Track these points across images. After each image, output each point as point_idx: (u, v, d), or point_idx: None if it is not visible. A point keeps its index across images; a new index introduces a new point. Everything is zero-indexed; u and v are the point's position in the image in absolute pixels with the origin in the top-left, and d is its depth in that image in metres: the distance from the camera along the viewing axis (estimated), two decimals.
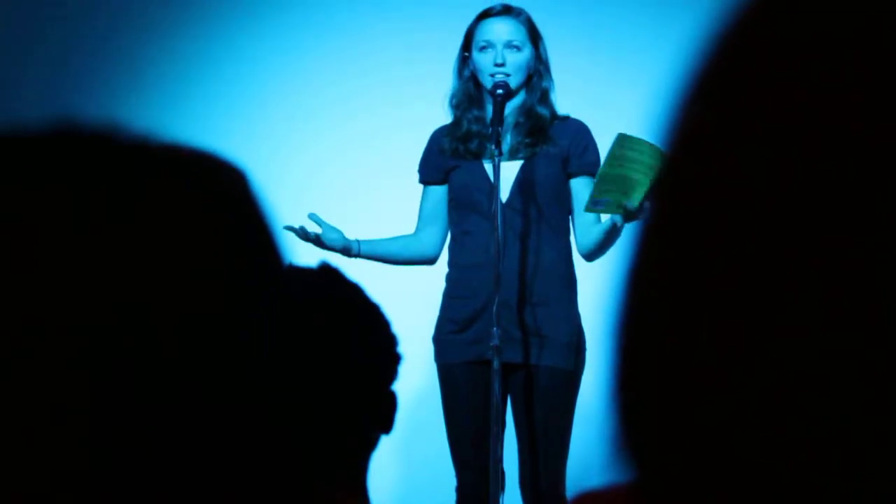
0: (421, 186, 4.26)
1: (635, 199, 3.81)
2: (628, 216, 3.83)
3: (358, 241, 4.14)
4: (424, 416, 4.50)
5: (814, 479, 0.49)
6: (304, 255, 1.93)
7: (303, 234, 4.05)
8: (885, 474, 0.48)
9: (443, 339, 4.10)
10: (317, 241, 4.05)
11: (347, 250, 4.09)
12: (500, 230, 3.87)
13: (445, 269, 4.19)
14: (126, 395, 0.61)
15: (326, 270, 1.85)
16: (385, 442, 1.86)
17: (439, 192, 4.19)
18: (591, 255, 4.07)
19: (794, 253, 0.50)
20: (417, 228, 4.26)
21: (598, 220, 4.00)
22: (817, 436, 0.49)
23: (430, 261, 4.25)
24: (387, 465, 4.76)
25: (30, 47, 5.33)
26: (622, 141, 3.81)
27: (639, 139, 3.83)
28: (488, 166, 4.03)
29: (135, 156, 0.65)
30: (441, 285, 4.18)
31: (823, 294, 0.49)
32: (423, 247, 4.22)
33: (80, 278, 0.60)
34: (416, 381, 4.92)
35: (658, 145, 3.86)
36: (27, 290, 0.59)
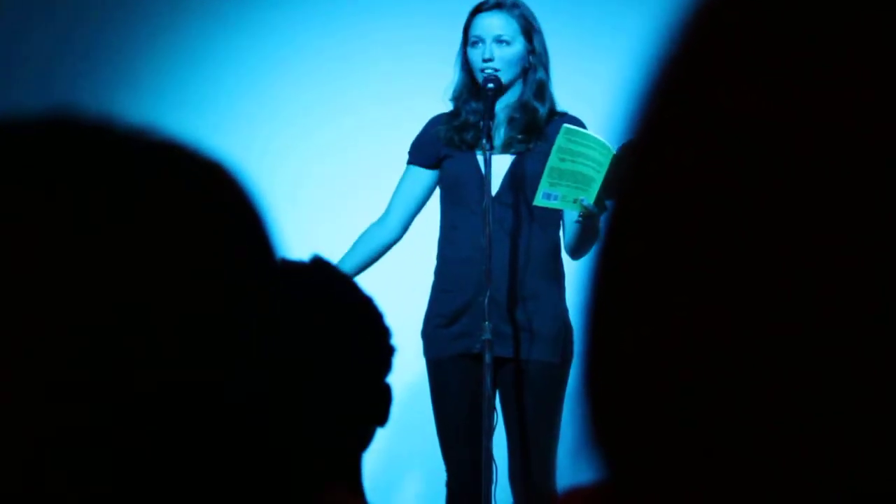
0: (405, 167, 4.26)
1: (590, 196, 3.83)
2: (588, 215, 3.84)
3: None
4: (415, 412, 4.50)
5: (791, 473, 0.49)
6: (296, 250, 1.92)
7: None
8: (865, 463, 0.48)
9: (431, 334, 4.11)
10: None
11: None
12: (489, 225, 3.88)
13: (434, 264, 4.20)
14: (120, 392, 0.61)
15: (318, 264, 1.85)
16: (378, 436, 1.86)
17: (424, 175, 4.20)
18: (573, 252, 4.09)
19: (768, 241, 0.50)
20: (388, 210, 4.26)
21: (578, 217, 3.99)
22: (795, 429, 0.49)
23: (395, 243, 4.25)
24: (377, 461, 4.76)
25: (21, 44, 5.32)
26: (568, 134, 3.84)
27: (585, 133, 3.88)
28: (481, 158, 4.04)
29: (128, 150, 0.65)
30: (429, 279, 4.19)
31: (801, 284, 0.49)
32: (389, 233, 4.23)
33: (75, 276, 0.60)
34: (406, 377, 4.93)
35: (606, 142, 3.91)
36: (22, 289, 0.59)
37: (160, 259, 0.63)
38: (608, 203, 3.77)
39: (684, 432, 0.50)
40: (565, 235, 4.10)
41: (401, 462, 5.06)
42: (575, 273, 4.13)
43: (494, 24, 4.10)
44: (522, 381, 4.00)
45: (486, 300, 3.85)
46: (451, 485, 4.03)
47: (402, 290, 4.33)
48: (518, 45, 4.09)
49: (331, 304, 1.82)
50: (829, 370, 0.48)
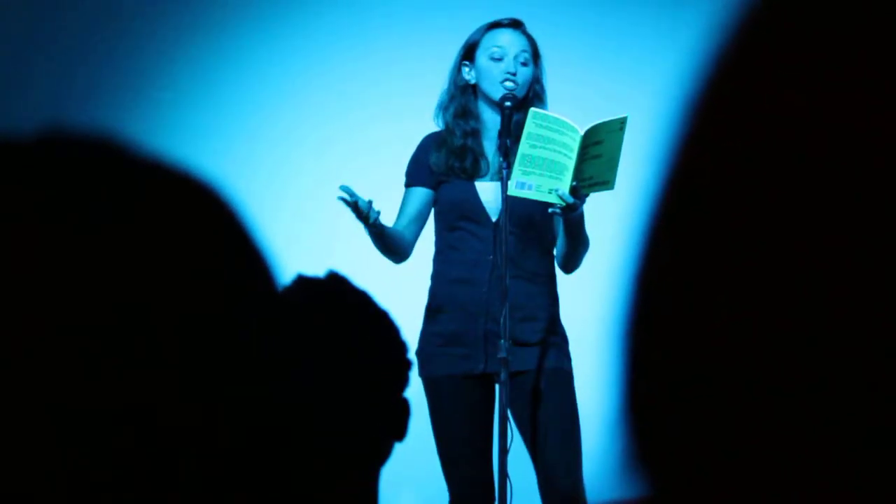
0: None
1: (564, 184, 3.79)
2: (567, 207, 3.82)
3: (378, 214, 3.98)
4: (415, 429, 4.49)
5: (830, 489, 0.49)
6: (309, 266, 1.92)
7: (351, 202, 3.93)
8: None
9: (428, 352, 4.07)
10: (355, 206, 3.91)
11: (367, 218, 3.94)
12: (497, 246, 3.89)
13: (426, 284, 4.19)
14: (140, 399, 0.61)
15: (334, 278, 1.85)
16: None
17: (426, 194, 4.14)
18: (565, 262, 4.07)
19: (805, 253, 0.49)
20: (401, 227, 4.19)
21: (556, 208, 3.93)
22: (836, 443, 0.49)
23: (404, 258, 4.17)
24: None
25: (19, 57, 5.33)
26: (536, 118, 3.81)
27: (554, 116, 3.84)
28: (480, 185, 4.03)
29: (119, 164, 0.64)
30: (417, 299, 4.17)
31: (839, 295, 0.49)
32: (406, 244, 4.15)
33: (73, 277, 0.60)
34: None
35: (574, 124, 3.88)
36: (23, 290, 0.59)
37: (151, 268, 0.62)
38: (583, 193, 3.79)
39: (728, 450, 0.50)
40: (557, 246, 4.07)
41: (399, 481, 5.05)
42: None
43: (518, 42, 4.09)
44: (538, 388, 3.99)
45: (503, 318, 3.84)
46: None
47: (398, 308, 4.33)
48: (531, 68, 4.08)
49: (347, 318, 1.82)
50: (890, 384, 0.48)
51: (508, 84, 4.03)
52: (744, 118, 0.53)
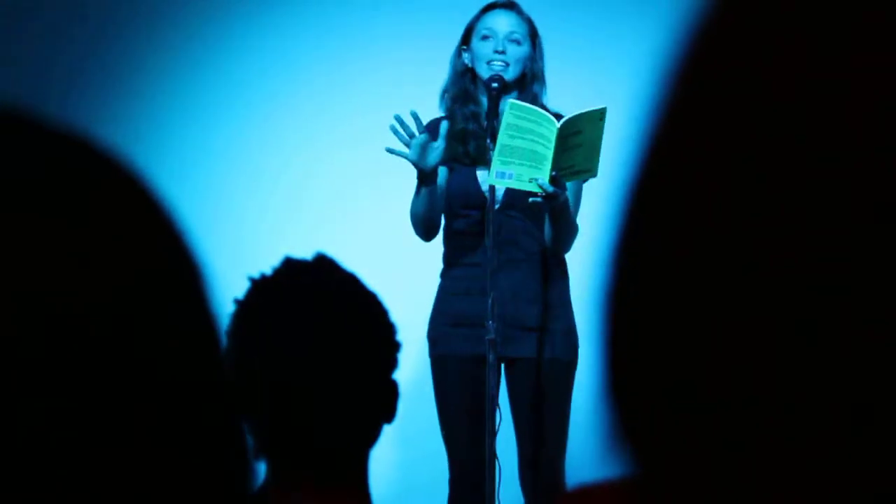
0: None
1: (544, 174, 3.82)
2: (548, 196, 3.83)
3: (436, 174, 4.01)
4: (419, 409, 4.52)
5: (817, 474, 0.49)
6: (296, 249, 1.92)
7: (402, 129, 3.94)
8: (890, 473, 0.48)
9: (438, 332, 4.13)
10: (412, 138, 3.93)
11: (430, 174, 3.98)
12: (492, 231, 3.91)
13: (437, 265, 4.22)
14: (121, 397, 0.60)
15: (322, 262, 1.85)
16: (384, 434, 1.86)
17: (440, 176, 4.15)
18: (554, 246, 4.08)
19: (788, 243, 0.50)
20: None
21: (537, 196, 3.94)
22: (822, 429, 0.49)
23: (435, 232, 4.16)
24: (380, 459, 4.75)
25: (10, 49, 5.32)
26: (514, 109, 3.85)
27: (531, 108, 3.88)
28: (481, 174, 4.05)
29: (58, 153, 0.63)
30: (432, 280, 4.18)
31: (822, 284, 0.49)
32: (438, 218, 4.15)
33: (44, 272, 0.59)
34: (410, 374, 4.95)
35: (551, 117, 3.89)
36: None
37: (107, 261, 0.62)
38: (562, 182, 3.82)
39: (708, 427, 0.50)
40: (545, 231, 4.09)
41: (404, 460, 5.06)
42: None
43: (509, 21, 4.12)
44: (533, 380, 4.03)
45: (490, 300, 3.87)
46: (453, 483, 4.05)
47: (408, 291, 4.34)
48: (526, 47, 4.11)
49: (335, 300, 1.82)
50: (870, 369, 0.48)
51: (496, 65, 4.06)
52: (725, 107, 0.53)
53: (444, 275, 4.19)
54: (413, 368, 4.83)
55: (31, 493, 0.56)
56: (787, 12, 0.51)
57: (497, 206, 4.02)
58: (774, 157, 0.50)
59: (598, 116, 3.84)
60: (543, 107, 4.03)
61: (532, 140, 3.83)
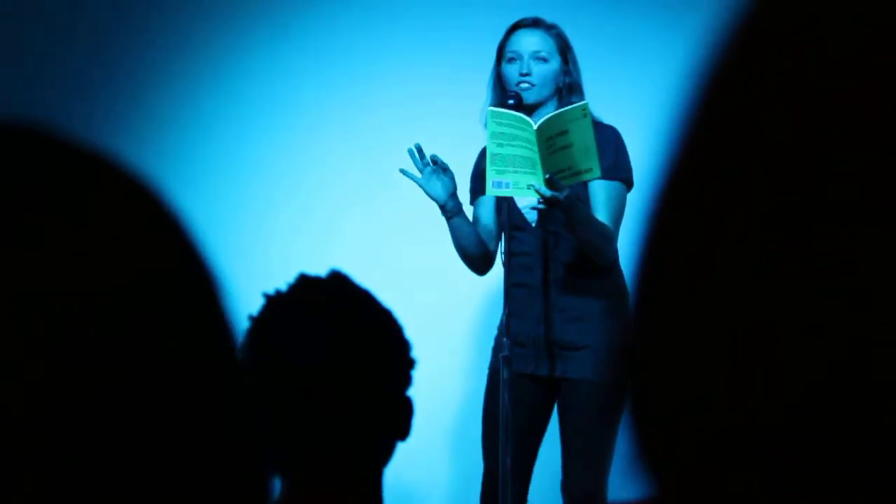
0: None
1: (539, 179, 3.81)
2: (548, 202, 3.84)
3: (459, 206, 4.09)
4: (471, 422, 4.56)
5: (838, 491, 0.48)
6: (311, 265, 1.92)
7: (422, 159, 4.03)
8: None
9: (496, 345, 4.17)
10: (428, 173, 4.03)
11: (444, 207, 4.07)
12: (536, 251, 3.96)
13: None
14: (137, 405, 0.60)
15: (336, 278, 1.85)
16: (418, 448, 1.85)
17: (488, 202, 4.22)
18: (586, 254, 4.06)
19: (809, 254, 0.49)
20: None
21: (538, 203, 3.96)
22: (844, 444, 0.48)
23: (484, 264, 4.21)
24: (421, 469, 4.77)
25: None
26: (495, 117, 3.85)
27: (510, 113, 3.88)
28: None
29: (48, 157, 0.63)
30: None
31: (847, 295, 0.48)
32: (483, 250, 4.18)
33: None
34: (464, 386, 4.99)
35: (527, 118, 3.90)
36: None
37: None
38: (563, 184, 3.80)
39: (732, 449, 0.49)
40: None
41: (457, 469, 5.09)
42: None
43: (533, 40, 4.12)
44: (575, 400, 4.03)
45: (504, 316, 3.90)
46: (482, 494, 4.10)
47: (422, 306, 4.36)
48: (554, 63, 4.11)
49: (349, 317, 1.81)
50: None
51: (522, 86, 4.07)
52: (747, 116, 0.52)
53: (503, 294, 4.19)
54: (466, 380, 4.86)
55: (32, 493, 0.56)
56: (816, 25, 0.50)
57: (534, 225, 4.05)
58: (799, 166, 0.49)
59: (581, 114, 3.81)
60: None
61: (520, 146, 3.83)
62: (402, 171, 4.09)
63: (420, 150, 4.07)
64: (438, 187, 4.05)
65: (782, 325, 0.49)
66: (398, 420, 1.84)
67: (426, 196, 4.10)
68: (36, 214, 0.58)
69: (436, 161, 4.06)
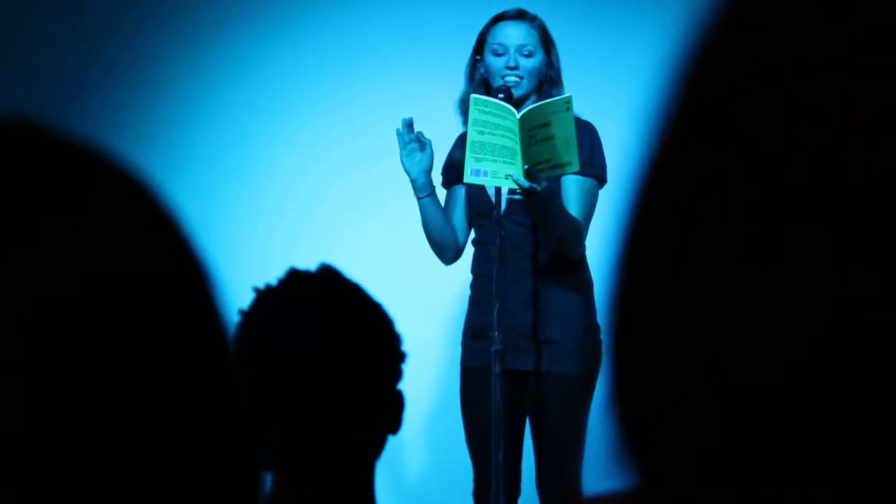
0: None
1: (518, 169, 3.80)
2: (526, 192, 3.83)
3: (431, 187, 4.10)
4: (448, 417, 4.54)
5: (823, 481, 0.49)
6: (302, 259, 1.92)
7: (409, 133, 4.04)
8: None
9: (464, 344, 4.17)
10: (414, 148, 4.05)
11: (417, 184, 4.08)
12: (499, 239, 3.90)
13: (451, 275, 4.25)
14: (133, 401, 0.60)
15: (327, 272, 1.85)
16: (403, 441, 1.86)
17: (457, 192, 4.22)
18: (555, 247, 4.05)
19: (793, 246, 0.50)
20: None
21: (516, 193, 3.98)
22: (828, 436, 0.49)
23: (451, 253, 4.21)
24: (405, 465, 4.77)
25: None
26: (477, 104, 3.84)
27: (494, 101, 3.87)
28: None
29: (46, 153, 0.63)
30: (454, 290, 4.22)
31: (829, 289, 0.49)
32: (451, 239, 4.19)
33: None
34: (439, 381, 4.98)
35: (511, 107, 3.89)
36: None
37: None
38: (541, 176, 3.80)
39: (717, 439, 0.50)
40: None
41: (429, 467, 5.07)
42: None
43: (518, 33, 4.12)
44: (544, 394, 4.01)
45: (495, 311, 3.86)
46: (476, 493, 4.07)
47: (415, 302, 4.35)
48: (538, 57, 4.11)
49: (340, 311, 1.82)
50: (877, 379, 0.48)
51: (509, 78, 4.06)
52: (729, 110, 0.53)
53: (470, 285, 4.21)
54: (442, 375, 4.86)
55: (31, 494, 0.56)
56: (793, 19, 0.51)
57: (503, 213, 4.01)
58: (779, 160, 0.50)
59: (564, 106, 3.80)
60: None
61: (502, 135, 3.81)
62: (397, 132, 4.08)
63: (411, 125, 4.07)
64: (415, 161, 4.05)
65: (761, 317, 0.50)
66: (389, 414, 1.84)
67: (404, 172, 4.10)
68: (35, 214, 0.59)
69: (420, 139, 4.06)
